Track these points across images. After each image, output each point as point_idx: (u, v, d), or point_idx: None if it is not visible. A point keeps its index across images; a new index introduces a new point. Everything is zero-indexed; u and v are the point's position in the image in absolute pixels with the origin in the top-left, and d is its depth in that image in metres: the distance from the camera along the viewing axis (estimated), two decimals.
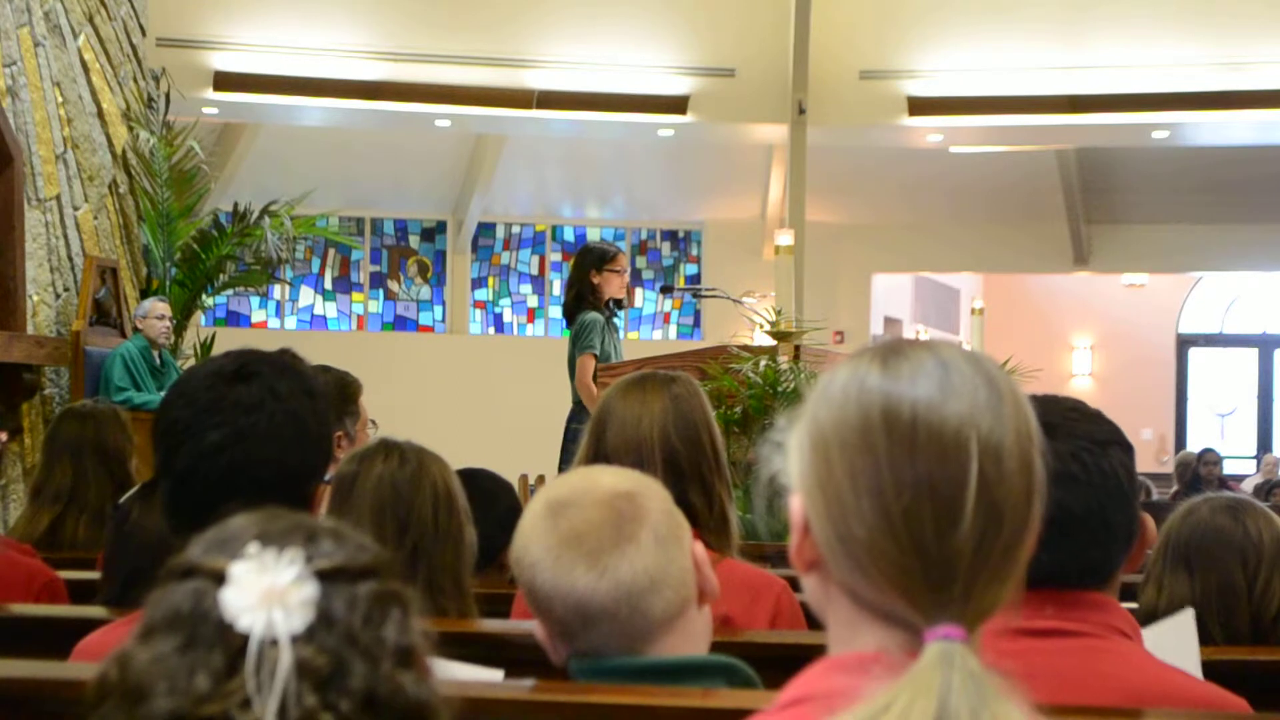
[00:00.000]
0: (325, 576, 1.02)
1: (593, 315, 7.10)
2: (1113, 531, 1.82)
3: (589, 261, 7.26)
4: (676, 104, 12.15)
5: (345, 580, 1.03)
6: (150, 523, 2.89)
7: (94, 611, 2.70)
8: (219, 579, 1.01)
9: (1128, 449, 1.85)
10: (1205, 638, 2.43)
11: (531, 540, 1.71)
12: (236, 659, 0.98)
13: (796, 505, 1.18)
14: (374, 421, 3.95)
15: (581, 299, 7.20)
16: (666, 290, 14.49)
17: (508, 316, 14.63)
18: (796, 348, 6.02)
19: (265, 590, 1.00)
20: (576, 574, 1.67)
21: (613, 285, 7.29)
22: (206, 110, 11.51)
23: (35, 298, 8.01)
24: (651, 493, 1.74)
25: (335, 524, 1.10)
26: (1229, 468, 12.92)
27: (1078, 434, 1.82)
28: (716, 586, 1.76)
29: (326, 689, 0.99)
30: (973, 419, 1.13)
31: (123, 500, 3.00)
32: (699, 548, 1.75)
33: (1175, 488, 11.39)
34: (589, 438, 2.74)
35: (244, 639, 0.99)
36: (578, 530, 1.68)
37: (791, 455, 1.19)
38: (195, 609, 1.01)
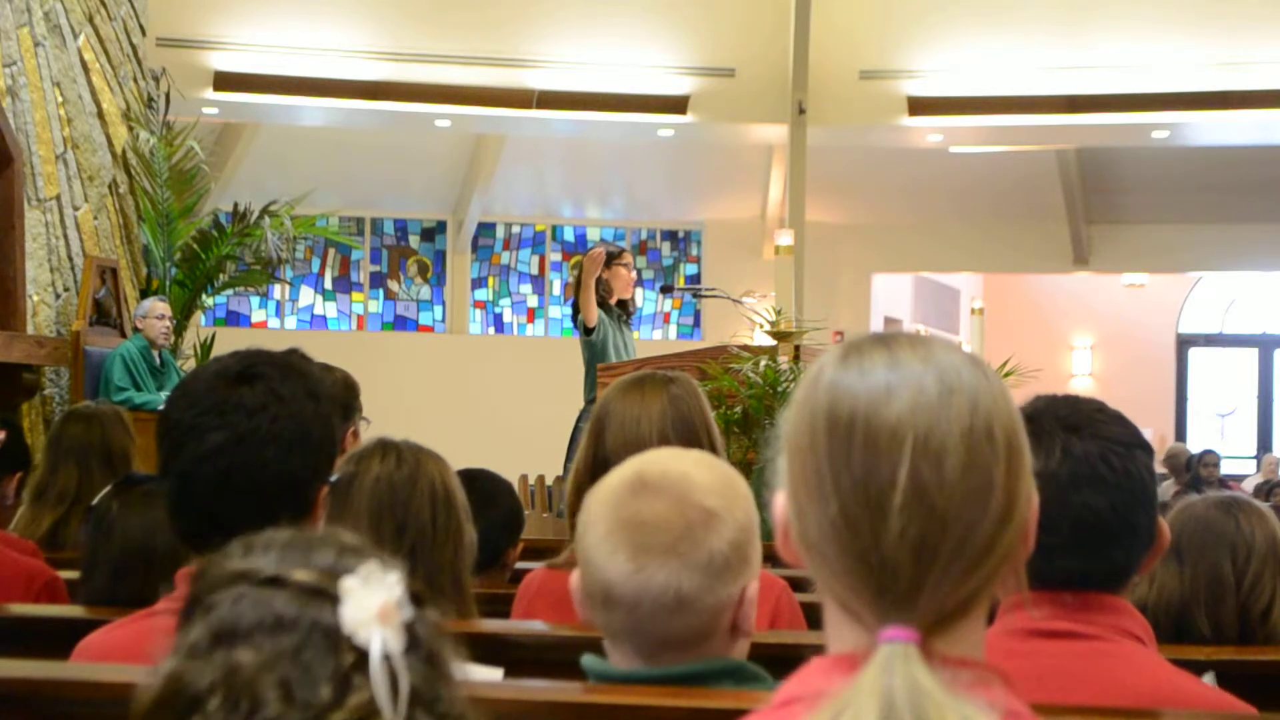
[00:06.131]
0: (415, 600, 1.04)
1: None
2: (1137, 534, 1.81)
3: None
4: (676, 104, 12.15)
5: (418, 604, 1.05)
6: (132, 519, 2.89)
7: (93, 611, 2.70)
8: (319, 593, 1.01)
9: (1149, 451, 1.85)
10: (1192, 630, 2.44)
11: (600, 502, 1.68)
12: (351, 672, 0.99)
13: (778, 504, 1.19)
14: (367, 419, 3.96)
15: (594, 296, 7.31)
16: (666, 290, 14.48)
17: (508, 316, 14.63)
18: (796, 348, 6.03)
19: (380, 608, 1.00)
20: (617, 558, 1.63)
21: (620, 281, 7.39)
22: (206, 110, 11.50)
23: (35, 298, 8.02)
24: (734, 520, 1.67)
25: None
26: (1229, 468, 12.92)
27: (1104, 435, 1.81)
28: (754, 626, 1.72)
29: (426, 707, 1.01)
30: (912, 419, 1.10)
31: (97, 500, 3.00)
32: (753, 588, 1.69)
33: (1174, 488, 11.38)
34: (588, 438, 2.75)
35: (358, 652, 0.99)
36: (641, 519, 1.64)
37: (779, 452, 1.20)
38: (299, 617, 1.00)
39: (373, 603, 1.00)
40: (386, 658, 0.99)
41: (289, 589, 1.01)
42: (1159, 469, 11.91)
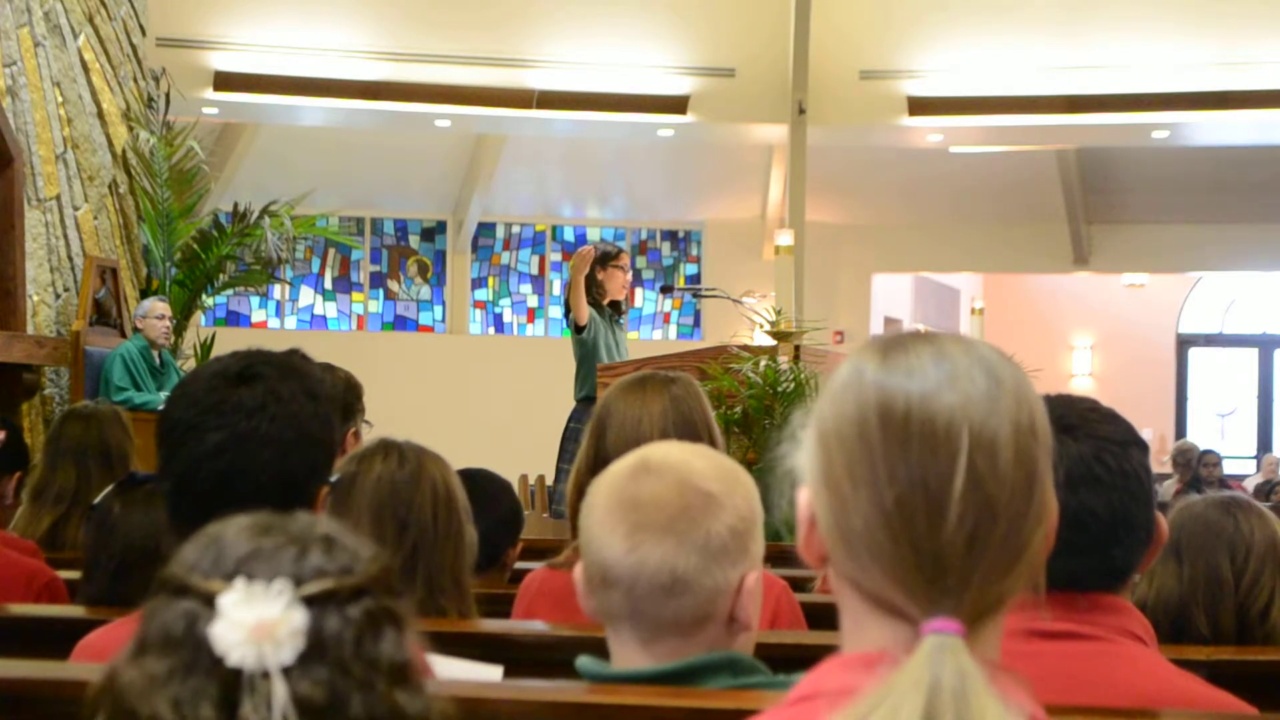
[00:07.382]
0: (314, 602, 1.01)
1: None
2: (1135, 532, 1.81)
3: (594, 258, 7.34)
4: (676, 104, 12.15)
5: (335, 604, 1.02)
6: (134, 519, 2.89)
7: (93, 612, 2.70)
8: (210, 603, 1.01)
9: (1144, 448, 1.85)
10: (1191, 630, 2.44)
11: (602, 486, 1.69)
12: (232, 690, 0.99)
13: (804, 499, 1.19)
14: (369, 422, 3.96)
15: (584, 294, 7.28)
16: (666, 290, 14.49)
17: (508, 316, 14.63)
18: (796, 348, 6.03)
19: (254, 626, 0.99)
20: (614, 537, 1.64)
21: (615, 282, 7.38)
22: (206, 110, 11.51)
23: (35, 298, 8.02)
24: (734, 506, 1.66)
25: (329, 531, 1.09)
26: (1229, 468, 12.91)
27: (1099, 435, 1.81)
28: (754, 622, 1.70)
29: (332, 714, 0.99)
30: (966, 412, 1.12)
31: (99, 499, 3.00)
32: (753, 579, 1.68)
33: (1176, 485, 11.38)
34: (589, 438, 2.75)
35: (236, 671, 0.99)
36: (641, 499, 1.65)
37: (801, 449, 1.20)
38: (188, 634, 1.00)
39: (247, 619, 0.99)
40: (266, 675, 0.98)
41: (191, 599, 1.02)
42: (1166, 466, 11.95)
